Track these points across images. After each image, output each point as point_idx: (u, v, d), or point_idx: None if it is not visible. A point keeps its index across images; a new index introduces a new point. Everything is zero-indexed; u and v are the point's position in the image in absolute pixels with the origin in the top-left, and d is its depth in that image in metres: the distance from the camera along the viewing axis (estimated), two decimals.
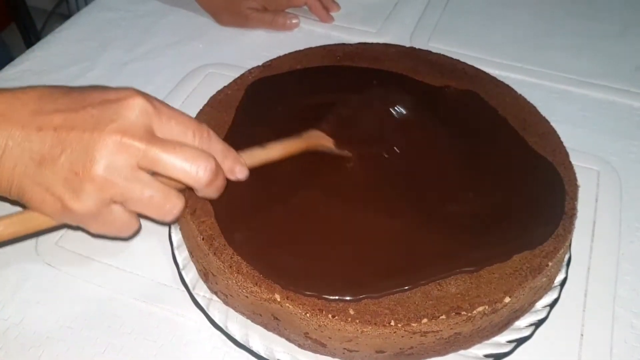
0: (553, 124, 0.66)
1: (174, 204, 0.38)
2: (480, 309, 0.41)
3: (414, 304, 0.41)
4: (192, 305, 0.48)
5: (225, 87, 0.57)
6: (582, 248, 0.54)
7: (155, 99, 0.39)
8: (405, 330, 0.40)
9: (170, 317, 0.48)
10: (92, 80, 0.71)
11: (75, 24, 0.80)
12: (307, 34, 0.79)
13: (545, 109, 0.67)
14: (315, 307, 0.40)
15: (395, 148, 0.50)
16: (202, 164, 0.37)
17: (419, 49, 0.65)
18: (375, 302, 0.41)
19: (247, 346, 0.44)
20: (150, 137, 0.37)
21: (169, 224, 0.39)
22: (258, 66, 0.61)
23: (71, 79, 0.71)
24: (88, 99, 0.37)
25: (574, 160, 0.61)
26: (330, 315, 0.40)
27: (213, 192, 0.40)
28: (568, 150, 0.61)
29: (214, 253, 0.44)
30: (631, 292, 0.51)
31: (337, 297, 0.40)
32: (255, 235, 0.44)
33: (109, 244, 0.53)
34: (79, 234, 0.54)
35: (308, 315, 0.40)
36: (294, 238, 0.44)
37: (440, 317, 0.40)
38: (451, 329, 0.41)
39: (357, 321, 0.40)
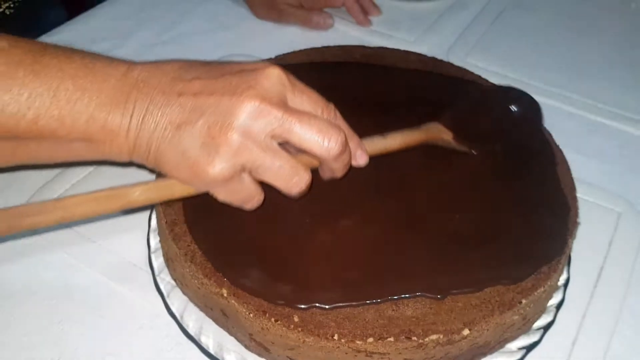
0: (582, 156, 0.62)
1: (302, 177, 0.38)
2: (434, 337, 0.37)
3: (364, 321, 0.38)
4: (155, 290, 0.47)
5: None
6: (582, 293, 0.49)
7: (289, 73, 0.38)
8: (349, 347, 0.37)
9: (131, 298, 0.47)
10: None
11: (118, 1, 0.81)
12: (341, 35, 0.78)
13: (577, 141, 0.63)
14: (260, 308, 0.38)
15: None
16: (334, 135, 0.37)
17: (442, 61, 0.61)
18: (323, 312, 0.38)
19: (196, 338, 0.43)
20: (286, 106, 0.37)
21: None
22: (270, 58, 0.59)
23: None
24: (226, 68, 0.38)
25: (594, 198, 0.57)
26: (273, 319, 0.38)
27: (340, 167, 0.39)
28: (591, 186, 0.57)
29: (173, 238, 0.42)
30: (628, 348, 0.46)
31: (283, 302, 0.38)
32: (216, 226, 0.43)
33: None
34: None
35: (252, 315, 0.38)
36: (255, 234, 0.42)
37: (388, 339, 0.37)
38: (399, 353, 0.38)
39: (300, 329, 0.38)
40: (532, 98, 0.50)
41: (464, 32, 0.79)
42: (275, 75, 0.37)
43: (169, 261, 0.45)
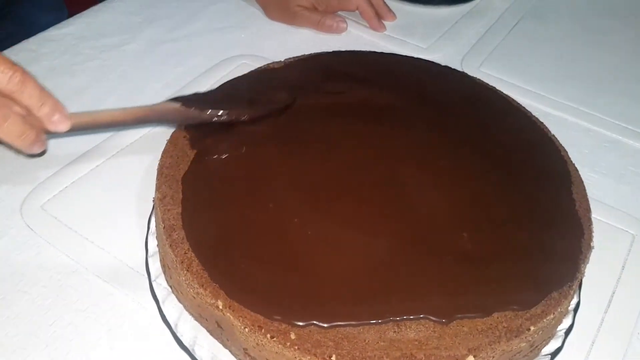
0: (596, 175, 0.60)
1: None
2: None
3: (363, 342, 0.36)
4: (151, 295, 0.46)
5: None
6: (592, 319, 0.48)
7: None
8: None
9: (126, 303, 0.46)
10: (128, 53, 0.71)
11: None
12: (355, 39, 0.76)
13: (592, 158, 0.62)
14: (255, 323, 0.37)
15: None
16: None
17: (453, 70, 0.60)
18: (321, 331, 0.37)
19: (190, 349, 0.41)
20: None
21: None
22: (279, 61, 0.58)
23: (107, 49, 0.71)
24: None
25: (608, 219, 0.55)
26: (269, 335, 0.36)
27: (7, 136, 0.37)
28: (605, 207, 0.56)
29: (170, 245, 0.41)
30: None
31: (280, 318, 0.37)
32: (215, 235, 0.41)
33: (92, 217, 0.52)
34: (67, 200, 0.53)
35: (247, 330, 0.37)
36: (255, 246, 0.41)
37: None
38: None
39: (296, 347, 0.36)
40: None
41: (479, 41, 0.77)
42: None
43: (165, 267, 0.44)
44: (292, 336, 0.36)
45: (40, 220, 0.51)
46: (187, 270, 0.40)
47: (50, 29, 0.73)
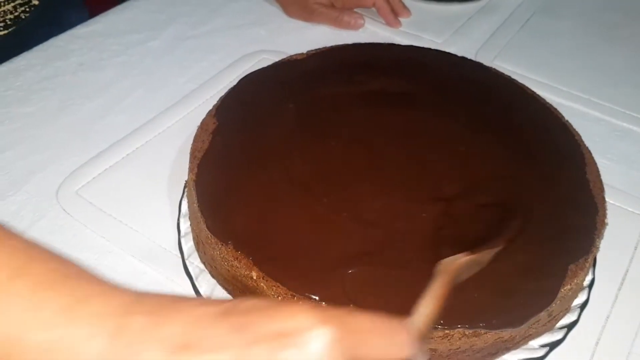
0: (608, 162, 0.62)
1: None
2: (460, 327, 0.38)
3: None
4: (184, 273, 0.48)
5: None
6: (607, 295, 0.49)
7: (344, 313, 0.27)
8: None
9: (160, 281, 0.48)
10: (151, 50, 0.73)
11: None
12: (371, 35, 0.79)
13: (604, 146, 0.64)
14: (287, 292, 0.39)
15: None
16: None
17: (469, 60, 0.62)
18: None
19: None
20: None
21: None
22: (302, 53, 0.60)
23: (132, 45, 0.73)
24: (254, 328, 0.26)
25: (620, 202, 0.57)
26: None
27: None
28: (617, 191, 0.57)
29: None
30: None
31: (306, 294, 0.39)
32: (249, 211, 0.43)
33: (125, 201, 0.54)
34: (100, 185, 0.55)
35: (280, 299, 0.39)
36: (287, 224, 0.43)
37: None
38: (425, 343, 0.38)
39: None
40: None
41: (492, 35, 0.80)
42: (324, 339, 0.25)
43: (199, 244, 0.46)
44: (324, 305, 0.38)
45: (75, 204, 0.54)
46: (222, 245, 0.42)
47: (78, 26, 0.76)
